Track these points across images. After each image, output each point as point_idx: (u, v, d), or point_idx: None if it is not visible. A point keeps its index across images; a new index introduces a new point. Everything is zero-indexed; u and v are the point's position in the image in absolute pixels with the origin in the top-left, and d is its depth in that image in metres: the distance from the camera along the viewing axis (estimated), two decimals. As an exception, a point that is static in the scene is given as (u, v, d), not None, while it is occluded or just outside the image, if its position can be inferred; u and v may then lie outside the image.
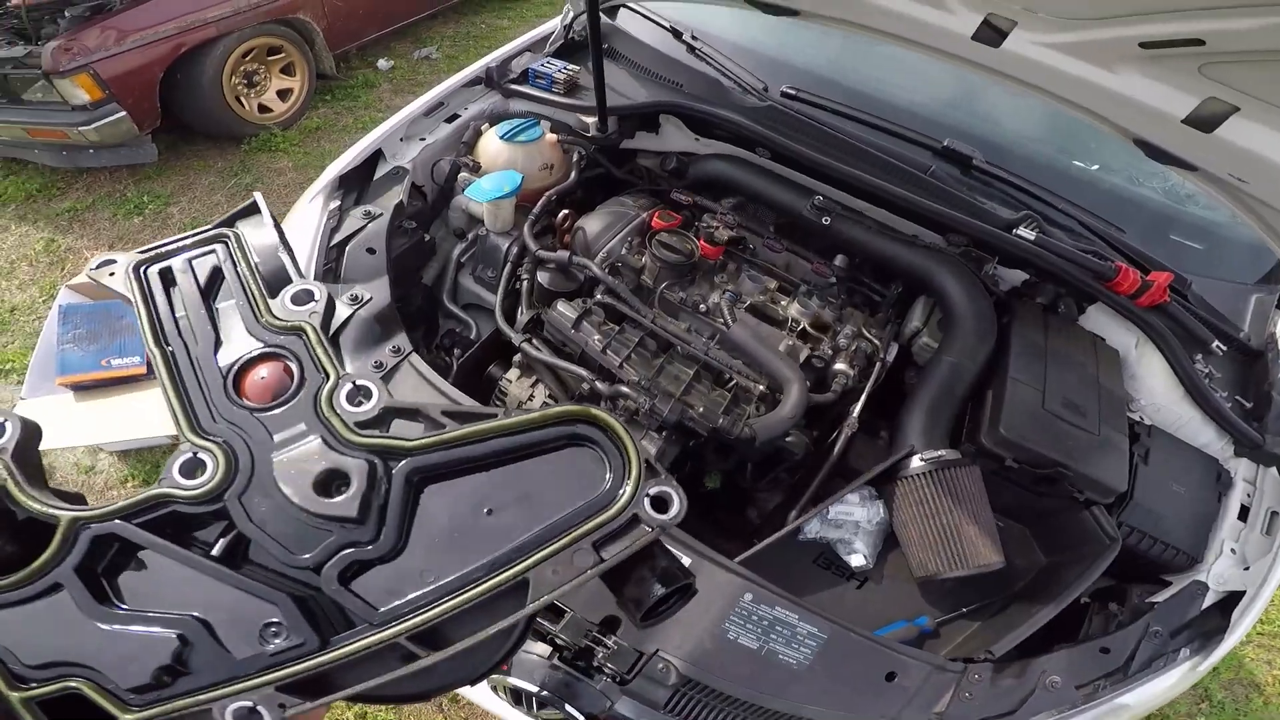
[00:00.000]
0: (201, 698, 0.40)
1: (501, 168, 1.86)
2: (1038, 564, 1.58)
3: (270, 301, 0.47)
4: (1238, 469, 1.64)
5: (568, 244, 1.83)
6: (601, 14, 2.31)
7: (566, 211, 1.85)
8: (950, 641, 1.48)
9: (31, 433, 0.44)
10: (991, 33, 1.43)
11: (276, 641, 0.41)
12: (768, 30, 2.22)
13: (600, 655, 1.13)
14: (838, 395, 1.63)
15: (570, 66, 2.09)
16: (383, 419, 0.46)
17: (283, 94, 4.16)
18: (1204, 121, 1.28)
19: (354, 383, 0.46)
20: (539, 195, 1.89)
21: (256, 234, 0.51)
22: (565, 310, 1.63)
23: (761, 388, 1.58)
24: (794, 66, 2.16)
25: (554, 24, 2.35)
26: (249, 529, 0.43)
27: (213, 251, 0.49)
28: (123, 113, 3.35)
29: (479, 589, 0.42)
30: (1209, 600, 1.40)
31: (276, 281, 0.49)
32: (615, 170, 2.13)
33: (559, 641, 1.14)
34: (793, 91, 2.00)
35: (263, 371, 0.46)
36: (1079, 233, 1.84)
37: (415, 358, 1.44)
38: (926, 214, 1.77)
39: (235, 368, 0.46)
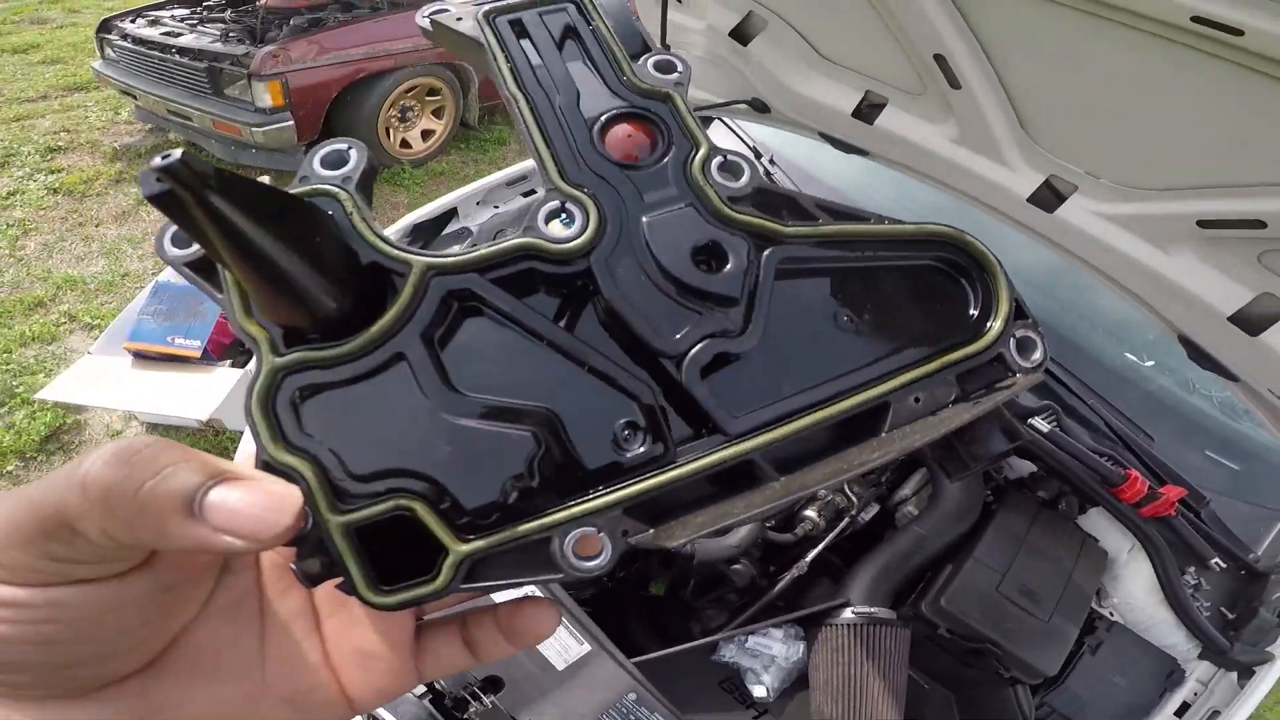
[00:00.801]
0: (545, 521, 0.33)
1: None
2: None
3: (633, 64, 0.44)
4: (1195, 670, 1.59)
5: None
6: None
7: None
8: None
9: (373, 165, 0.38)
10: (1049, 195, 1.43)
11: (634, 449, 0.35)
12: (843, 167, 2.33)
13: (474, 710, 1.19)
14: (797, 539, 1.65)
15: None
16: (751, 198, 0.41)
17: (425, 134, 4.62)
18: (1251, 321, 1.21)
19: (726, 155, 0.42)
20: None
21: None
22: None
23: (720, 510, 1.62)
24: (860, 205, 2.24)
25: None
26: (616, 298, 0.36)
27: (564, 9, 0.46)
28: (290, 122, 3.81)
29: (839, 406, 0.37)
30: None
31: (625, 36, 0.46)
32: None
33: (438, 685, 1.21)
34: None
35: (628, 129, 0.42)
36: (1103, 432, 1.77)
37: None
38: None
39: (603, 119, 0.42)
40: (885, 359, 0.39)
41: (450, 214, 2.10)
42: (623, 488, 0.34)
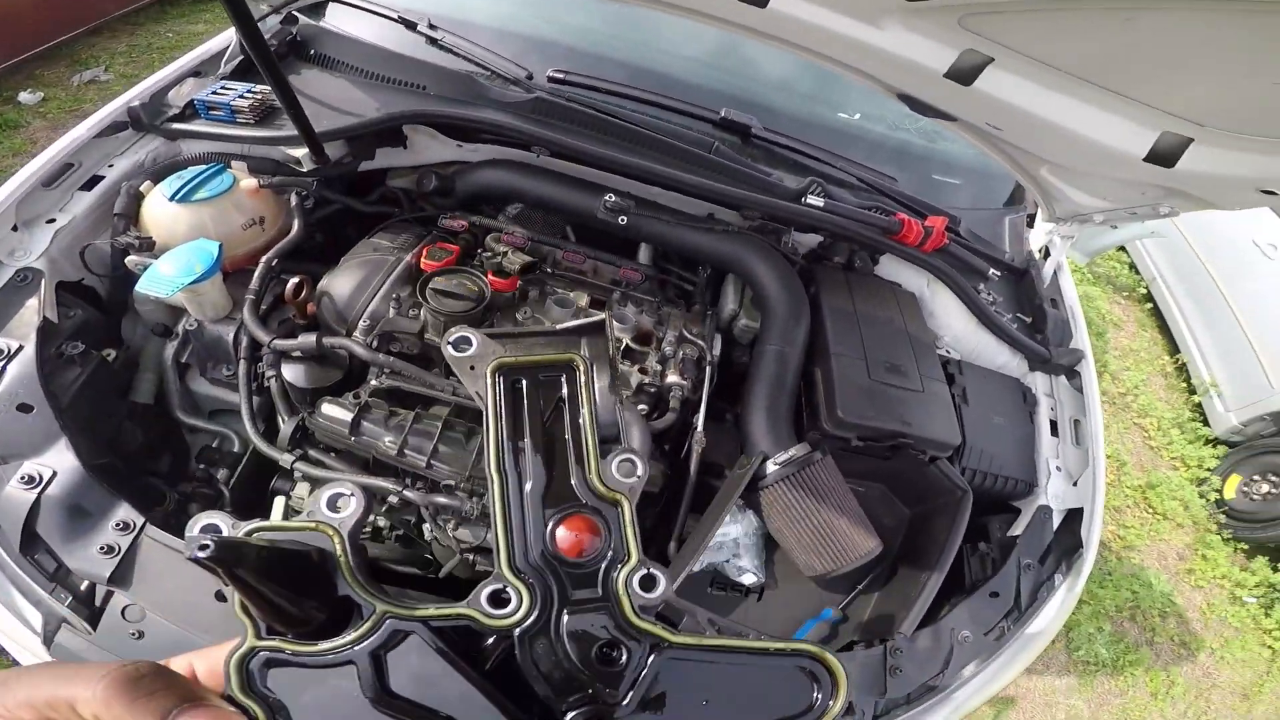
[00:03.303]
0: None
1: (184, 238, 1.38)
2: (903, 516, 1.64)
3: (600, 462, 0.54)
4: (1035, 384, 1.78)
5: (313, 317, 1.43)
6: (302, 16, 1.87)
7: (298, 279, 1.42)
8: (858, 620, 1.49)
9: (367, 513, 0.50)
10: (756, -9, 1.30)
11: None
12: (522, 5, 1.97)
13: None
14: (678, 413, 1.48)
15: (258, 87, 1.64)
16: (659, 608, 0.52)
17: None
18: (963, 74, 1.28)
19: (649, 569, 0.51)
20: (256, 258, 1.45)
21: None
22: (334, 412, 1.27)
23: (601, 439, 1.37)
24: (561, 45, 1.92)
25: (228, 36, 1.84)
26: (526, 665, 0.47)
27: (560, 376, 0.58)
28: None
29: None
30: (1057, 521, 1.52)
31: (602, 425, 0.57)
32: (359, 204, 1.74)
33: None
34: (560, 75, 1.76)
35: (575, 528, 0.52)
36: (858, 188, 1.85)
37: (152, 530, 1.08)
38: (718, 197, 1.67)
39: (559, 514, 0.52)
40: None
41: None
42: None
